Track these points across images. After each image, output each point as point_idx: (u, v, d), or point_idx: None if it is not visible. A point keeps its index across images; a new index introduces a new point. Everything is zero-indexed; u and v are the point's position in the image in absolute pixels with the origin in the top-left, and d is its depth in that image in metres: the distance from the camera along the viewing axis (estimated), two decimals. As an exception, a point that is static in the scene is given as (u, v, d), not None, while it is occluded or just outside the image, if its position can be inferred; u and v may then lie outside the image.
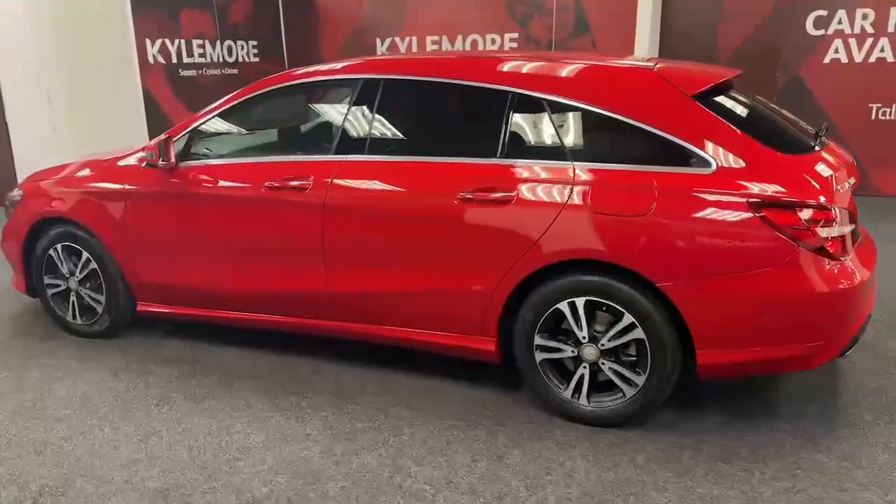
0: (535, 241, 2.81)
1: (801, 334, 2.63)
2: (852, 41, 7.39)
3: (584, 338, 2.85)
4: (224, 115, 3.51)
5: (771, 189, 2.57)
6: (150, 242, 3.63)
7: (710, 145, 2.67)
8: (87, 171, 3.83)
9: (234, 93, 3.50)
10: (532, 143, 2.94)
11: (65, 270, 3.90)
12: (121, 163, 3.75)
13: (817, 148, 2.83)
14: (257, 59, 9.54)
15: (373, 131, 3.19)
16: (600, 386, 2.92)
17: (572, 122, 2.89)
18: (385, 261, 3.14)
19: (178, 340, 3.89)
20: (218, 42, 8.87)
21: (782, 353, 2.64)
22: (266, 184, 3.29)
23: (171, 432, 2.95)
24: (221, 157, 3.52)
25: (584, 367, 2.88)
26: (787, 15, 7.52)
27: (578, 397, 2.93)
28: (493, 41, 8.80)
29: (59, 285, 3.94)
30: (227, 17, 8.95)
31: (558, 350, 2.92)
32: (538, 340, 2.93)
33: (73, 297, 3.93)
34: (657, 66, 2.91)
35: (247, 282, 3.45)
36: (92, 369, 3.57)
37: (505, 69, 3.03)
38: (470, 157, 3.00)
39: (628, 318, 2.75)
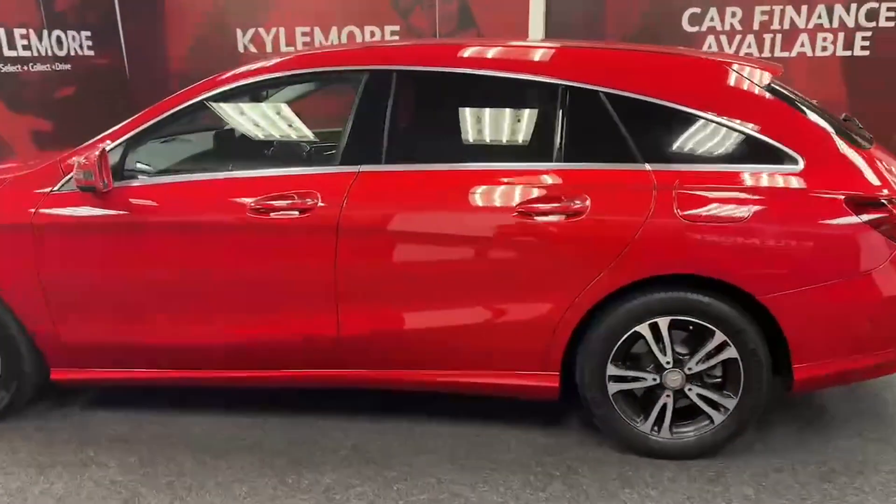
0: (613, 257, 2.42)
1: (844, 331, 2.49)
2: (723, 37, 7.80)
3: (668, 363, 2.50)
4: (176, 118, 2.71)
5: (861, 185, 2.39)
6: (79, 292, 2.73)
7: (796, 141, 2.44)
8: None
9: (190, 87, 2.72)
10: (593, 143, 2.53)
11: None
12: (4, 186, 2.78)
13: (871, 143, 2.72)
14: (92, 53, 8.13)
15: (389, 135, 2.59)
16: (678, 415, 2.60)
17: (639, 118, 2.51)
18: (418, 293, 2.58)
19: (109, 412, 3.00)
20: (45, 32, 7.40)
21: (882, 358, 2.49)
22: (252, 205, 2.56)
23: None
24: (178, 173, 2.72)
25: (668, 396, 2.54)
26: (664, 11, 7.76)
27: (658, 430, 2.58)
28: (373, 34, 8.23)
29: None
30: (53, 3, 7.51)
31: (636, 379, 2.55)
32: (611, 370, 2.54)
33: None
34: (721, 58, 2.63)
35: (226, 332, 2.70)
36: (5, 471, 2.60)
37: (555, 59, 2.58)
38: (520, 163, 2.54)
39: (720, 337, 2.45)
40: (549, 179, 2.48)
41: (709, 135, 2.50)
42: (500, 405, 2.89)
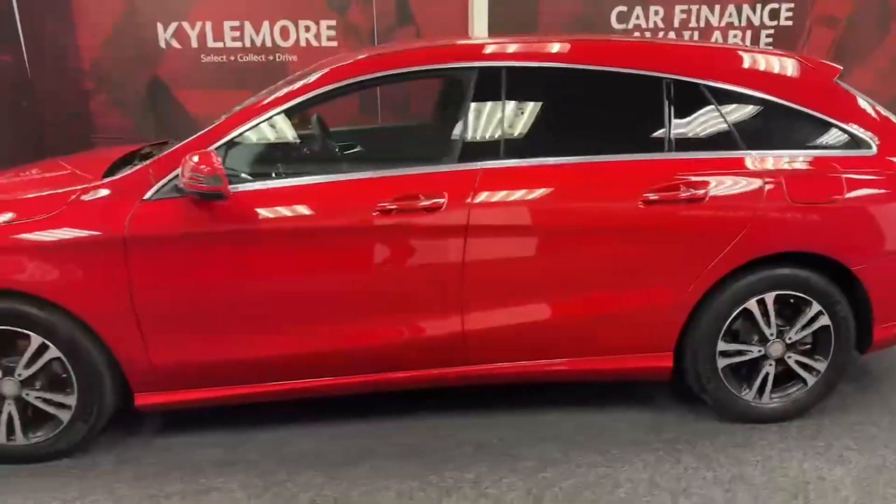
0: (731, 240, 2.61)
1: None
2: (648, 34, 8.32)
3: (771, 334, 2.73)
4: (280, 118, 2.57)
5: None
6: (179, 309, 2.52)
7: (868, 128, 2.74)
8: (10, 216, 2.49)
9: (292, 88, 2.58)
10: (699, 134, 2.70)
11: (-3, 371, 2.53)
12: (88, 196, 2.52)
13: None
14: (-10, 50, 7.32)
15: (506, 131, 2.62)
16: (774, 382, 2.84)
17: (738, 109, 2.71)
18: (544, 286, 2.63)
19: (187, 437, 2.79)
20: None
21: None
22: (378, 208, 2.49)
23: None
24: (288, 175, 2.58)
25: (771, 365, 2.77)
26: (592, 11, 8.15)
27: (760, 397, 2.81)
28: (308, 28, 8.00)
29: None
30: (-56, -7, 6.69)
31: (742, 353, 2.75)
32: (721, 346, 2.73)
33: (7, 408, 2.57)
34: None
35: (346, 337, 2.60)
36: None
37: (660, 54, 2.72)
38: (636, 154, 2.65)
39: (816, 307, 2.71)
40: (667, 169, 2.61)
41: (797, 124, 2.74)
42: (586, 392, 3.00)
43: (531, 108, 2.67)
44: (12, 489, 2.48)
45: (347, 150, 3.04)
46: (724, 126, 2.68)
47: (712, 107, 2.68)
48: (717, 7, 8.26)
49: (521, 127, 2.66)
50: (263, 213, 2.47)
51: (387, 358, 2.65)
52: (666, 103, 2.66)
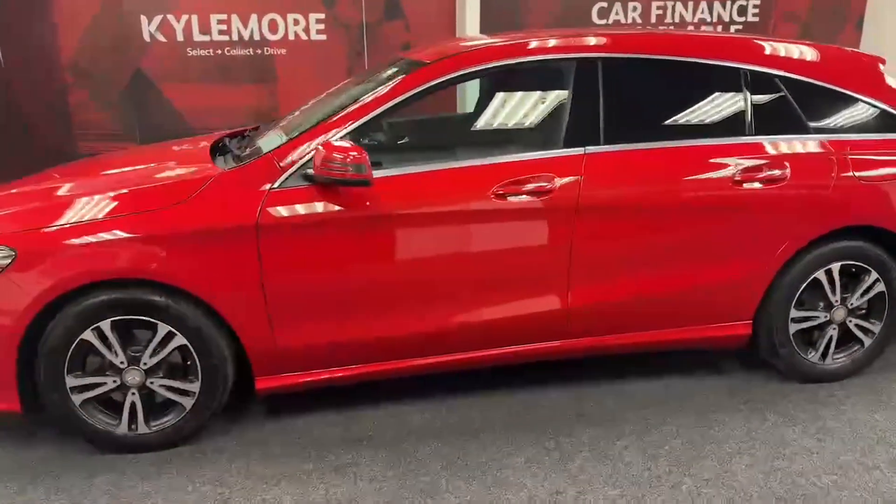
0: (808, 216, 2.87)
1: None
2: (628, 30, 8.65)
3: (836, 301, 3.02)
4: (404, 105, 2.67)
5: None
6: (306, 292, 2.59)
7: (913, 113, 3.06)
8: (139, 206, 2.52)
9: (400, 81, 2.68)
10: (774, 118, 2.95)
11: (118, 360, 2.54)
12: (217, 185, 2.56)
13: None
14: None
15: (604, 118, 2.80)
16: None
17: (804, 96, 2.97)
18: (644, 262, 2.83)
19: (306, 417, 2.86)
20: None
21: None
22: (494, 191, 2.64)
23: None
24: (410, 163, 2.68)
25: (834, 329, 3.06)
26: (574, 7, 8.44)
27: (825, 359, 3.09)
28: (297, 21, 8.00)
29: (99, 384, 2.56)
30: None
31: (809, 319, 3.03)
32: (793, 314, 3.00)
33: (131, 397, 2.59)
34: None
35: (461, 315, 2.73)
36: (280, 488, 2.44)
37: (739, 47, 2.95)
38: (723, 138, 2.87)
39: (874, 276, 3.01)
40: (751, 151, 2.85)
41: (855, 110, 3.03)
42: (657, 364, 3.23)
43: (626, 96, 2.85)
44: (142, 475, 2.51)
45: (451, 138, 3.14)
46: (795, 111, 2.94)
47: (783, 94, 2.93)
48: (690, 3, 8.67)
49: (617, 114, 2.83)
50: (395, 198, 2.57)
51: (500, 334, 2.80)
52: (745, 91, 2.90)
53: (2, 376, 2.50)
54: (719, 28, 8.93)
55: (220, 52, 7.81)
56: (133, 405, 2.60)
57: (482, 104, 2.90)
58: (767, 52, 2.99)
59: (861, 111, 3.02)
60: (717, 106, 2.93)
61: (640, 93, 2.88)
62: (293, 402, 2.92)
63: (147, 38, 7.68)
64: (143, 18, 7.68)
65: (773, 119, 2.94)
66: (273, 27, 7.90)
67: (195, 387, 2.61)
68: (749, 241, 2.87)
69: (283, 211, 2.52)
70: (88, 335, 2.49)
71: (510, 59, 2.77)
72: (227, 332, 2.60)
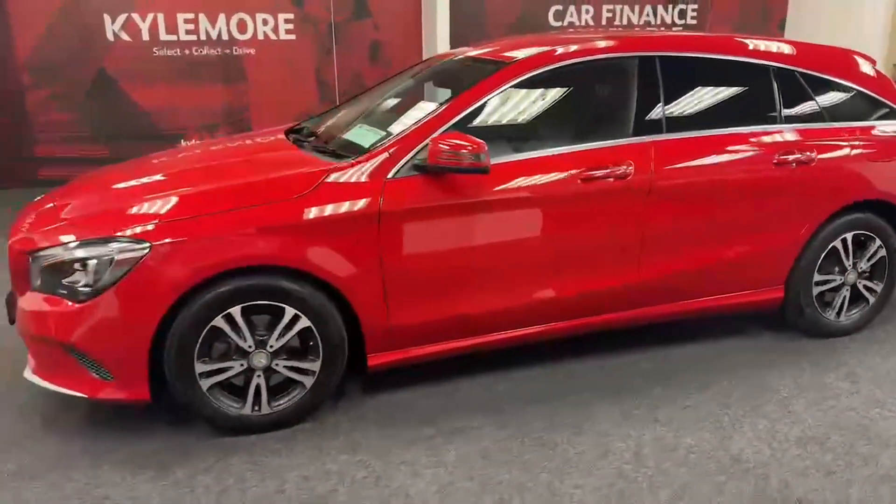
0: (832, 192, 3.35)
1: None
2: (570, 32, 9.18)
3: (850, 265, 3.52)
4: (488, 104, 2.93)
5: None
6: (418, 272, 2.80)
7: (902, 104, 3.61)
8: (266, 197, 2.67)
9: (483, 80, 2.93)
10: (797, 110, 3.40)
11: (246, 344, 2.68)
12: (338, 176, 2.73)
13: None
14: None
15: (665, 109, 3.16)
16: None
17: (820, 90, 3.45)
18: (702, 236, 3.20)
19: (401, 392, 3.07)
20: None
21: None
22: (582, 176, 2.95)
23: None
24: (514, 151, 2.94)
25: (847, 289, 3.56)
26: (532, 9, 8.88)
27: (839, 316, 3.59)
28: (266, 21, 8.03)
29: (227, 369, 2.69)
30: None
31: (828, 282, 3.52)
32: (816, 277, 3.48)
33: (257, 380, 2.73)
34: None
35: (551, 289, 3.02)
36: (404, 460, 2.64)
37: (763, 48, 3.39)
38: (760, 126, 3.29)
39: (878, 242, 3.53)
40: (787, 137, 3.29)
41: (860, 101, 3.53)
42: (689, 330, 3.63)
43: (681, 89, 3.22)
44: (273, 452, 2.63)
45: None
46: (813, 103, 3.41)
47: (804, 87, 3.39)
48: (637, 7, 9.29)
49: (676, 105, 3.19)
50: (499, 184, 2.83)
51: (584, 305, 3.10)
52: (775, 85, 3.33)
53: (135, 366, 2.58)
54: (662, 28, 9.60)
55: (187, 51, 7.73)
56: (258, 387, 2.73)
57: (556, 98, 3.15)
58: (790, 51, 3.44)
59: (867, 104, 3.53)
60: (753, 98, 3.36)
61: (692, 86, 3.26)
62: (385, 381, 3.10)
63: (111, 37, 7.51)
64: (107, 17, 7.50)
65: (797, 110, 3.39)
66: (242, 27, 7.88)
67: (316, 366, 2.77)
68: (785, 216, 3.31)
69: (400, 198, 2.72)
70: (219, 322, 2.60)
71: (590, 56, 3.08)
72: (343, 314, 2.77)
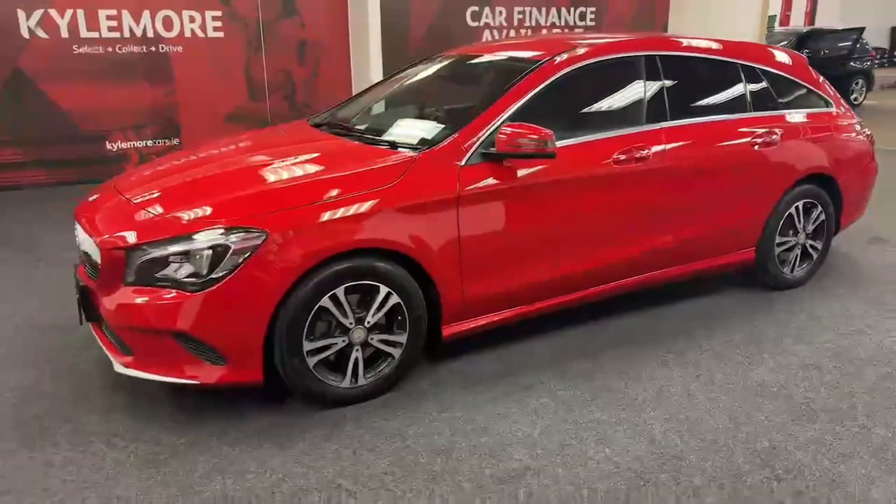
0: (793, 166, 4.05)
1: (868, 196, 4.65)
2: (496, 32, 9.79)
3: (801, 228, 4.27)
4: (536, 98, 3.32)
5: (854, 116, 4.49)
6: (487, 248, 3.13)
7: (828, 94, 4.41)
8: (361, 186, 2.91)
9: (529, 76, 3.32)
10: (760, 100, 4.08)
11: (348, 321, 2.91)
12: (416, 166, 3.00)
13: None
14: None
15: (667, 101, 3.69)
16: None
17: (776, 83, 4.15)
18: (701, 207, 3.77)
19: (455, 362, 3.39)
20: None
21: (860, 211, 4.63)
22: (615, 158, 3.43)
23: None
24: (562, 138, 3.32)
25: (799, 248, 4.31)
26: (451, 9, 9.35)
27: (792, 272, 4.34)
28: (193, 18, 7.92)
29: (331, 345, 2.89)
30: None
31: (787, 243, 4.24)
32: (778, 239, 4.19)
33: (355, 354, 2.98)
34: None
35: (597, 256, 3.46)
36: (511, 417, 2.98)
37: (735, 47, 4.04)
38: (736, 115, 3.93)
39: (819, 209, 4.31)
40: (759, 123, 3.95)
41: (803, 92, 4.28)
42: (671, 292, 4.24)
43: (676, 83, 3.77)
44: (381, 416, 2.85)
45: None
46: (771, 94, 4.10)
47: (765, 82, 4.08)
48: (544, 9, 10.00)
49: (674, 97, 3.74)
50: (562, 166, 3.23)
51: (618, 270, 3.58)
52: (743, 79, 3.99)
53: (250, 350, 2.74)
54: (566, 29, 10.36)
55: (110, 49, 7.47)
56: (355, 361, 2.96)
57: (574, 91, 3.59)
58: (751, 51, 4.12)
59: (807, 94, 4.28)
60: (733, 91, 3.99)
61: (684, 81, 3.82)
62: (444, 352, 3.40)
63: (26, 34, 7.11)
64: (21, 13, 7.10)
65: (759, 100, 4.06)
66: (168, 24, 7.72)
67: (403, 338, 3.03)
68: (760, 189, 3.96)
69: (475, 182, 3.05)
70: (326, 301, 2.81)
71: (614, 54, 3.56)
72: (426, 289, 3.06)
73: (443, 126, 3.26)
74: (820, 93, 4.32)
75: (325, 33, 8.56)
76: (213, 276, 2.62)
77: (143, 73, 7.68)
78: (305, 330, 2.78)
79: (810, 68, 4.39)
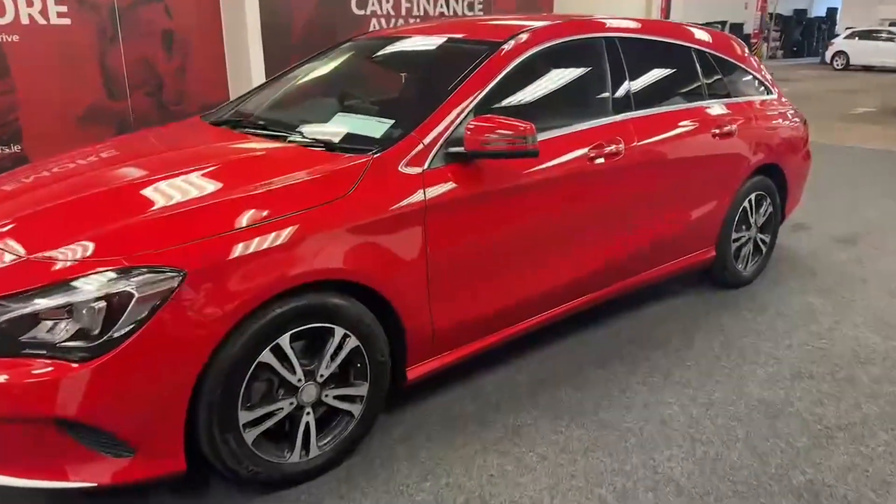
0: (748, 157, 3.79)
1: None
2: (383, 20, 9.20)
3: (754, 222, 4.04)
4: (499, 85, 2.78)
5: (792, 107, 4.34)
6: (457, 268, 2.55)
7: (769, 83, 4.21)
8: (298, 204, 2.25)
9: (492, 59, 2.78)
10: (713, 88, 3.78)
11: (295, 378, 2.25)
12: (369, 172, 2.39)
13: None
14: None
15: (631, 88, 3.28)
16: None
17: (723, 68, 3.87)
18: (663, 207, 3.40)
19: (422, 403, 2.81)
20: None
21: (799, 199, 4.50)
22: (587, 154, 2.97)
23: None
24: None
25: (751, 243, 4.09)
26: (336, -3, 8.62)
27: (745, 268, 4.10)
28: (31, 3, 6.71)
29: (275, 412, 2.21)
30: None
31: (740, 238, 3.99)
32: (734, 235, 3.93)
33: (306, 418, 2.32)
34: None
35: (560, 274, 2.98)
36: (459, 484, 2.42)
37: (692, 32, 3.71)
38: (696, 103, 3.61)
39: (769, 201, 4.11)
40: (717, 112, 3.64)
41: (752, 81, 4.03)
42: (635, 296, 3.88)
43: (640, 69, 3.36)
44: (335, 498, 2.26)
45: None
46: (722, 82, 3.82)
47: (717, 68, 3.78)
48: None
49: (637, 84, 3.33)
50: (531, 165, 2.71)
51: (610, 274, 3.18)
52: (698, 66, 3.67)
53: (170, 433, 2.01)
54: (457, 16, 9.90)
55: (-76, 38, 6.12)
56: (307, 426, 2.30)
57: (541, 78, 3.08)
58: (707, 37, 3.81)
59: (755, 82, 4.05)
60: (685, 77, 3.65)
61: (646, 67, 3.43)
62: (401, 398, 2.81)
63: None
64: None
65: (713, 88, 3.76)
66: (-1, 9, 6.44)
67: (363, 390, 2.41)
68: (721, 181, 3.66)
69: (442, 188, 2.46)
70: (267, 356, 2.14)
71: (579, 35, 3.10)
72: (386, 326, 2.45)
73: (390, 122, 2.64)
74: (762, 79, 4.10)
75: (193, 21, 7.57)
76: (112, 335, 1.87)
77: (-28, 65, 6.37)
78: (241, 396, 2.08)
79: (750, 56, 4.17)
